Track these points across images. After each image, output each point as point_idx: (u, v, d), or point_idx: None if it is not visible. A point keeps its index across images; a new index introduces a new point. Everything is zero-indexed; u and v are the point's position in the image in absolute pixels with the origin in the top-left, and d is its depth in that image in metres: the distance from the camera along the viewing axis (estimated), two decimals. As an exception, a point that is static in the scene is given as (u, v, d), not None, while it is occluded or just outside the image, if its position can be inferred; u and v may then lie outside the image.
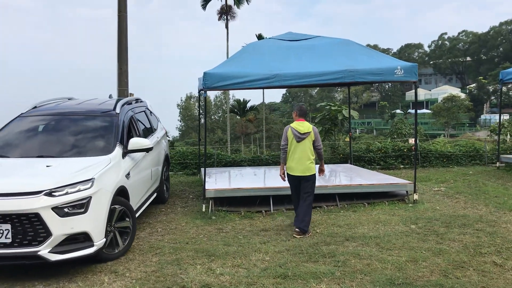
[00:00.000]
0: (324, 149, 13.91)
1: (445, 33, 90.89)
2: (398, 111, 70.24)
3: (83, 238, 4.99)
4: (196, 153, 12.61)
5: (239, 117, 48.81)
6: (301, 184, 6.71)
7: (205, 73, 7.47)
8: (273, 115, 65.84)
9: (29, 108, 6.97)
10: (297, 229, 6.51)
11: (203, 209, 7.86)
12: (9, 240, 4.71)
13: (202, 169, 10.52)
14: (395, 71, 7.87)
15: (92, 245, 5.05)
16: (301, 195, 6.69)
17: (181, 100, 69.49)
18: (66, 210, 4.87)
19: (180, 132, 66.32)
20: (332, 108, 13.48)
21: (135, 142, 6.39)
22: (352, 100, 79.02)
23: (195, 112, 67.93)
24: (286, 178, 6.86)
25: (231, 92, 54.05)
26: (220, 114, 74.82)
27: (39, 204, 4.76)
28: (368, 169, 11.50)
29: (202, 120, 21.06)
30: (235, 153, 18.49)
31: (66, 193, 4.92)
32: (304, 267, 5.26)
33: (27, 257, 4.76)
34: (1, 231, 4.71)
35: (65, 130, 6.39)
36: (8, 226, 4.71)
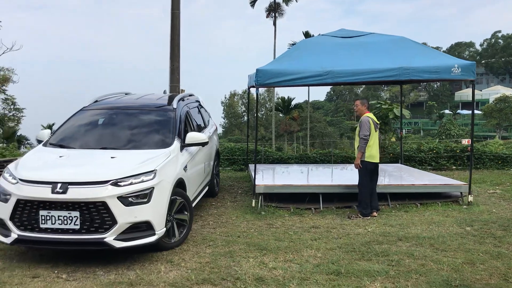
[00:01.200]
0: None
1: (499, 31, 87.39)
2: (446, 111, 68.22)
3: (145, 227, 5.21)
4: (244, 150, 12.72)
5: (282, 115, 48.78)
6: (374, 170, 7.44)
7: (257, 70, 7.53)
8: (316, 113, 65.32)
9: (90, 102, 7.22)
10: (375, 211, 7.41)
11: (253, 204, 7.93)
12: (78, 227, 4.99)
13: (250, 165, 10.64)
14: (452, 70, 7.66)
15: (154, 234, 5.26)
16: (374, 181, 7.49)
17: (225, 98, 70.02)
18: (130, 199, 5.10)
19: (224, 129, 66.89)
20: (383, 106, 13.26)
21: (192, 136, 6.54)
22: (399, 99, 77.34)
23: (239, 110, 68.39)
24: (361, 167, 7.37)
25: (275, 89, 54.13)
26: (263, 112, 74.92)
27: (106, 193, 5.02)
28: (419, 169, 11.25)
29: (248, 118, 21.13)
30: (279, 151, 18.52)
31: (131, 183, 5.17)
32: (357, 264, 5.22)
33: (93, 243, 5.03)
34: (70, 218, 4.99)
35: (126, 124, 6.62)
36: (77, 213, 4.98)
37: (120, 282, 4.74)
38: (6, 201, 5.16)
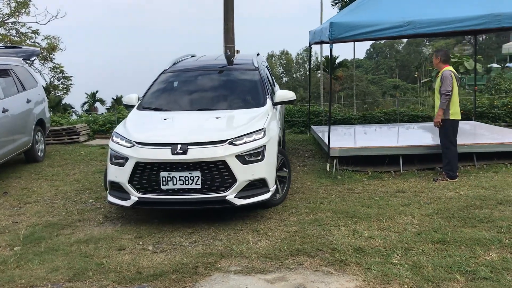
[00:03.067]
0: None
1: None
2: (494, 65, 64.72)
3: (261, 184, 5.26)
4: (303, 111, 12.23)
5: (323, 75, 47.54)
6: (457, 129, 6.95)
7: (331, 23, 6.94)
8: (357, 72, 63.61)
9: (169, 64, 7.04)
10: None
11: (327, 168, 7.50)
12: (199, 186, 5.04)
13: (314, 127, 10.17)
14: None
15: (268, 191, 5.31)
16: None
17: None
18: (246, 158, 5.14)
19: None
20: (453, 60, 12.36)
21: (282, 94, 6.38)
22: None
23: (277, 71, 67.25)
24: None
25: (313, 47, 52.50)
26: (302, 72, 73.63)
27: (226, 152, 5.06)
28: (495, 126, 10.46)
29: (310, 78, 20.37)
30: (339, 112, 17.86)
31: (245, 142, 5.18)
32: (462, 232, 4.74)
33: (216, 201, 5.09)
34: (192, 178, 5.03)
35: (216, 84, 6.59)
36: (198, 173, 5.02)
37: (210, 254, 4.46)
38: (122, 164, 5.19)
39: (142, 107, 6.28)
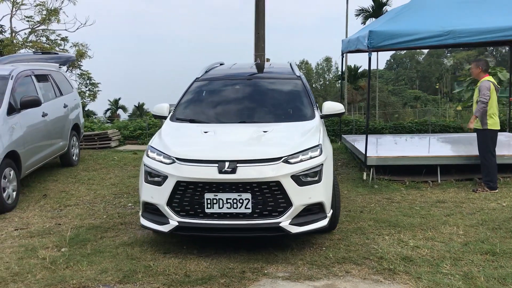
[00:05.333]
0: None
1: None
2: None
3: (317, 209, 4.57)
4: (332, 120, 12.19)
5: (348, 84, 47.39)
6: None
7: (370, 31, 6.93)
8: (378, 83, 63.25)
9: (202, 72, 6.51)
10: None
11: (364, 177, 7.46)
12: (249, 211, 4.39)
13: (346, 136, 10.13)
14: None
15: (325, 217, 4.61)
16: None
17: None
18: (302, 178, 4.47)
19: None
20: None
21: (331, 106, 5.70)
22: (464, 66, 73.22)
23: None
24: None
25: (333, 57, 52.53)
26: (321, 82, 73.43)
27: (281, 172, 4.40)
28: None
29: (342, 86, 20.40)
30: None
31: (301, 161, 4.55)
32: (511, 244, 4.67)
33: (268, 228, 4.42)
34: (241, 201, 4.38)
35: (257, 94, 5.98)
36: (249, 196, 4.37)
37: (255, 259, 4.47)
38: (159, 183, 4.54)
39: (176, 118, 5.65)
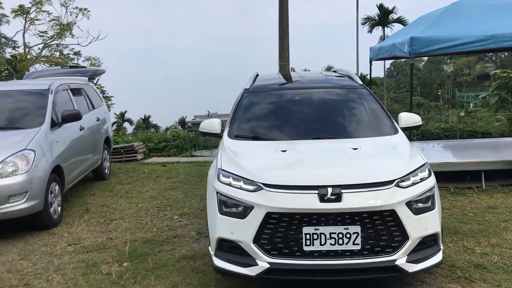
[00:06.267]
0: (500, 121, 12.78)
1: None
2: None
3: (432, 241, 3.87)
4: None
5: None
6: None
7: (412, 38, 6.92)
8: (380, 90, 63.40)
9: (250, 82, 5.78)
10: None
11: (407, 184, 7.38)
12: (358, 247, 3.61)
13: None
14: None
15: (439, 250, 3.87)
16: None
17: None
18: (416, 205, 3.77)
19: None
20: (511, 75, 12.23)
21: (409, 117, 5.02)
22: (464, 71, 73.32)
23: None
24: None
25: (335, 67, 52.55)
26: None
27: (395, 198, 3.67)
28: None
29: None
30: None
31: (412, 184, 3.81)
32: None
33: (381, 268, 3.66)
34: (348, 235, 3.60)
35: (321, 105, 5.30)
36: (357, 229, 3.60)
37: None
38: (242, 215, 3.76)
39: (235, 135, 4.86)
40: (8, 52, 20.99)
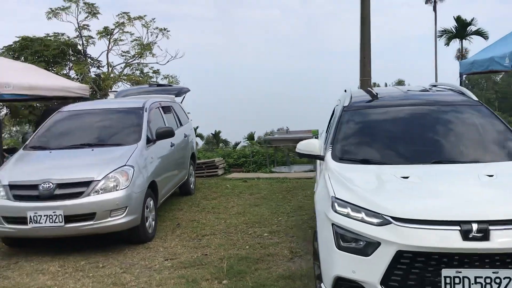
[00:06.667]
0: None
1: None
2: None
3: None
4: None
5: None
6: None
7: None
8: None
9: (346, 99, 5.24)
10: None
11: None
12: None
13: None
14: None
15: None
16: None
17: (383, 90, 68.34)
18: None
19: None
20: None
21: None
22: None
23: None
24: None
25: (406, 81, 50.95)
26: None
27: None
28: None
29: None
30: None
31: None
32: None
33: None
34: (497, 281, 3.10)
35: (435, 124, 4.76)
36: (509, 273, 3.08)
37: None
38: (365, 253, 3.31)
39: (339, 158, 4.38)
40: (93, 71, 22.17)
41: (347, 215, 3.48)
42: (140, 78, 23.86)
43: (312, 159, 4.93)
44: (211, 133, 64.17)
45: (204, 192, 9.57)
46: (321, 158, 4.69)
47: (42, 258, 5.81)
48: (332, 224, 3.51)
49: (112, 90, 21.47)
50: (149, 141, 6.99)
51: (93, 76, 21.69)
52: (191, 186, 9.40)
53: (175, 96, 10.43)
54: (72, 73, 19.32)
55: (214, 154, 13.78)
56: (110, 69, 23.50)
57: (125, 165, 6.14)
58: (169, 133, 7.36)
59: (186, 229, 6.87)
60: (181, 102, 10.30)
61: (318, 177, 5.13)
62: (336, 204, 3.58)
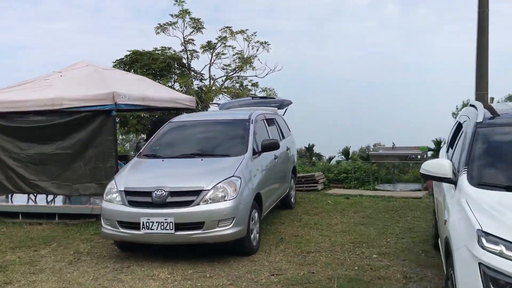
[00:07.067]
0: None
1: None
2: None
3: None
4: None
5: None
6: None
7: None
8: None
9: (479, 114, 4.63)
10: None
11: None
12: None
13: None
14: None
15: None
16: None
17: (457, 108, 64.02)
18: None
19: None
20: None
21: None
22: None
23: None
24: None
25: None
26: None
27: None
28: None
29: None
30: None
31: None
32: None
33: None
34: None
35: None
36: None
37: None
38: None
39: (478, 183, 3.78)
40: (196, 84, 22.98)
41: (501, 254, 2.95)
42: (240, 91, 24.41)
43: (440, 181, 4.31)
44: (305, 147, 64.13)
45: (304, 207, 9.38)
46: (453, 182, 4.06)
47: (152, 264, 5.96)
48: (480, 264, 3.00)
49: (213, 102, 22.05)
50: (254, 153, 6.97)
51: (196, 88, 22.50)
52: (292, 200, 9.26)
53: (277, 109, 10.41)
54: (177, 86, 20.17)
55: (313, 168, 13.55)
56: (212, 82, 24.32)
57: (233, 175, 6.15)
58: (274, 145, 7.30)
59: (289, 244, 6.72)
60: (283, 115, 10.24)
61: (443, 202, 4.51)
62: (483, 240, 3.06)
